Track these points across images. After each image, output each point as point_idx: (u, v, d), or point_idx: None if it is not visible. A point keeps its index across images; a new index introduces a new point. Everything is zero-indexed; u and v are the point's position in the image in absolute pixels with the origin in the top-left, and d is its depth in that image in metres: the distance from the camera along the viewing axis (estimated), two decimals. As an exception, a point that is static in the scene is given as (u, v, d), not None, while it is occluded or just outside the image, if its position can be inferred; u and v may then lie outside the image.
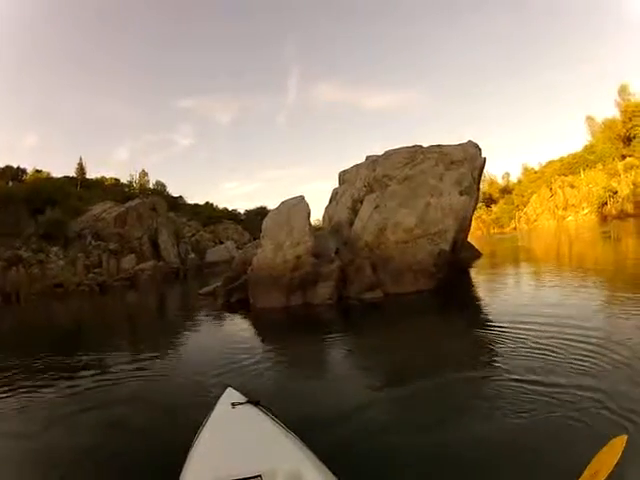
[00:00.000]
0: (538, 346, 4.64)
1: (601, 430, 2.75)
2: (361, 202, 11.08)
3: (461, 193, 10.43)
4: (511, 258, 16.90)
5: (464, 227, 10.51)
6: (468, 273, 12.70)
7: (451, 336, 6.04)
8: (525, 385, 3.70)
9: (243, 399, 2.63)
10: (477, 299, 8.98)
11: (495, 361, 4.58)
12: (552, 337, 4.88)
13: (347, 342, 6.44)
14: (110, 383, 5.24)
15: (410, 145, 12.62)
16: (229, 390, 2.87)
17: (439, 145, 12.85)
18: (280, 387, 4.57)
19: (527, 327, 5.47)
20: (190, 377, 5.17)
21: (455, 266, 11.29)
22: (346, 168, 14.48)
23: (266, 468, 1.86)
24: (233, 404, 2.56)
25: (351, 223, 10.89)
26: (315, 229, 12.80)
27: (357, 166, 13.36)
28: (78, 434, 3.72)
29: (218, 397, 2.75)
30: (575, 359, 4.18)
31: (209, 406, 2.65)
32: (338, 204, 12.31)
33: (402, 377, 4.43)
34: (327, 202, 14.76)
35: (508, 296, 8.72)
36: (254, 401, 2.59)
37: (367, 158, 13.84)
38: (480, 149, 13.04)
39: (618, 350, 4.24)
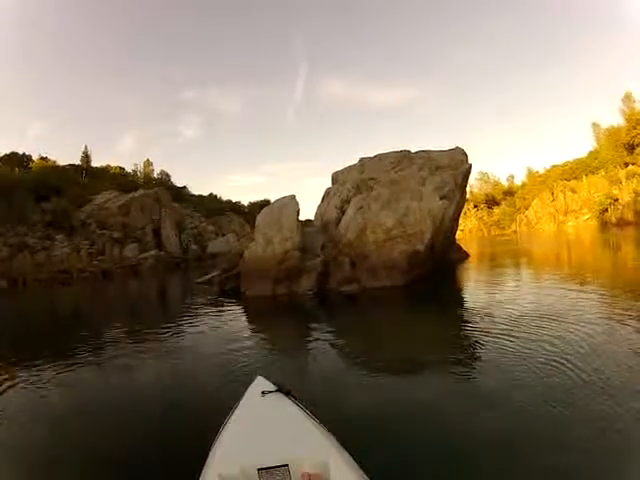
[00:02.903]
0: (481, 324, 6.22)
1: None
2: (348, 202, 11.78)
3: (441, 197, 11.11)
4: (498, 260, 17.41)
5: (443, 229, 11.17)
6: (449, 272, 13.36)
7: (410, 319, 7.53)
8: (475, 344, 5.25)
9: (273, 388, 2.60)
10: (441, 293, 9.89)
11: (442, 332, 6.25)
12: (494, 316, 6.53)
13: (322, 323, 7.58)
14: (120, 362, 5.94)
15: (399, 150, 13.33)
16: (259, 378, 2.83)
17: (427, 150, 13.54)
18: (267, 360, 5.47)
19: (477, 313, 7.04)
20: (183, 355, 6.04)
21: (437, 265, 11.99)
22: (339, 169, 15.20)
23: (293, 458, 1.87)
24: (263, 392, 2.55)
25: (338, 222, 11.61)
26: (310, 226, 13.61)
27: (348, 168, 14.06)
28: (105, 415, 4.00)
29: (247, 385, 2.75)
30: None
31: (238, 393, 2.68)
32: (329, 203, 13.01)
33: (367, 347, 5.76)
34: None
35: (472, 291, 9.94)
36: (284, 390, 2.56)
37: (360, 160, 14.54)
38: (467, 155, 13.71)
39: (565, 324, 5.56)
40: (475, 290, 9.94)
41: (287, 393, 2.54)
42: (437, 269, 11.92)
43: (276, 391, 2.55)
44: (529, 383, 3.77)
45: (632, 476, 2.50)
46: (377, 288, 9.69)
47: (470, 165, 13.57)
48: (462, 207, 14.73)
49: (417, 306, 8.49)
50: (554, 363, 4.15)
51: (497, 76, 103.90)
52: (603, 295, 7.66)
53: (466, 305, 8.45)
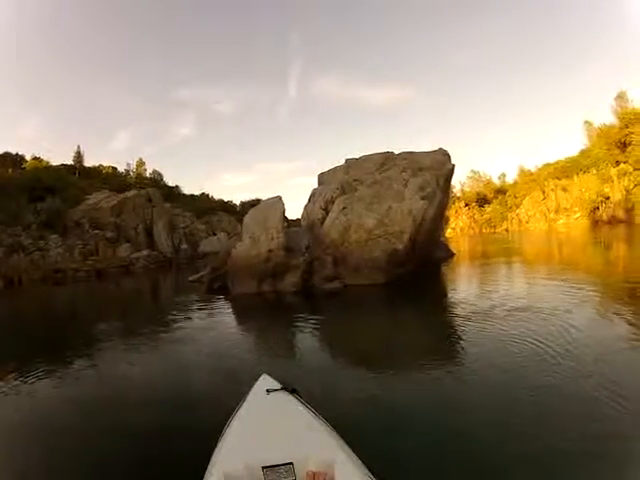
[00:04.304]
0: (454, 316, 6.92)
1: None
2: (333, 203, 12.14)
3: (423, 198, 11.47)
4: (484, 259, 17.75)
5: (424, 229, 11.52)
6: (431, 270, 13.70)
7: (387, 314, 8.14)
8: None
9: (278, 386, 2.60)
10: (420, 290, 10.32)
11: (417, 320, 7.22)
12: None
13: (305, 319, 7.99)
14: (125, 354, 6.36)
15: (383, 151, 13.67)
16: (264, 376, 2.82)
17: (410, 152, 13.89)
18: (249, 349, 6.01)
19: (452, 306, 7.90)
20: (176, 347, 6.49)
21: (419, 263, 12.34)
22: (324, 170, 15.52)
23: (298, 456, 1.87)
24: (268, 390, 2.55)
25: (323, 222, 11.96)
26: (298, 225, 13.98)
27: (334, 169, 14.39)
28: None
29: (253, 383, 2.74)
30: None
31: (243, 392, 2.68)
32: (314, 204, 13.32)
33: (353, 341, 6.31)
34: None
35: (449, 288, 10.61)
36: (289, 388, 2.57)
37: (346, 161, 14.86)
38: (449, 156, 14.04)
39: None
40: (451, 286, 10.44)
41: (292, 391, 2.56)
42: (420, 267, 12.27)
43: (281, 389, 2.57)
44: (515, 369, 4.16)
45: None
46: (359, 286, 10.10)
47: (453, 166, 13.90)
48: (445, 207, 15.10)
49: (394, 302, 9.00)
50: (532, 347, 4.61)
51: (495, 76, 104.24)
52: (588, 289, 8.17)
53: (442, 300, 8.98)
